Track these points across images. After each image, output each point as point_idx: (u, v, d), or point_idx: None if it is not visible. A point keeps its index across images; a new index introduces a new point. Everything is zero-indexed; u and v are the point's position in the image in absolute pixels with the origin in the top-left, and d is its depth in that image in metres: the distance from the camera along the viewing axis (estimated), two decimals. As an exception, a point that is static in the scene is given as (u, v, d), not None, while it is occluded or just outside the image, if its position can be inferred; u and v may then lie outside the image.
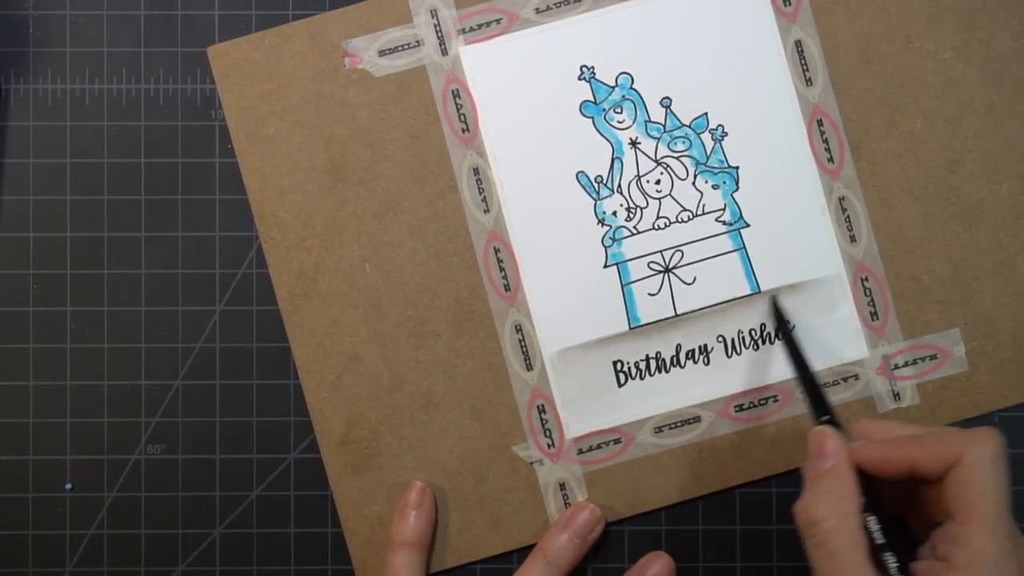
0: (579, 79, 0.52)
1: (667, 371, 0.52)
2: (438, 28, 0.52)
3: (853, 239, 0.52)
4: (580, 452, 0.52)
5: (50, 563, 0.52)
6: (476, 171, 0.52)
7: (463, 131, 0.52)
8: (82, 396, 0.52)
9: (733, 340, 0.52)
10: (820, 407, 0.46)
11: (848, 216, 0.52)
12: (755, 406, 0.52)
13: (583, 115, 0.52)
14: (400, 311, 0.52)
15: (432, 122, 0.52)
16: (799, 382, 0.48)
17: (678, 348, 0.52)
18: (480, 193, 0.52)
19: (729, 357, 0.52)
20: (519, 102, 0.52)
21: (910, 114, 0.52)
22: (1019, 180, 0.52)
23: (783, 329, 0.50)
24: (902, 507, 0.45)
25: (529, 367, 0.52)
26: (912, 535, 0.44)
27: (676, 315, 0.52)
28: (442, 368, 0.52)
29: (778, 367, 0.52)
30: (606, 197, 0.52)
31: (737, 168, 0.52)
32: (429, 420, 0.51)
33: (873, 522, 0.42)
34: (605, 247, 0.52)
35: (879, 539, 0.42)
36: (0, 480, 0.52)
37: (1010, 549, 0.40)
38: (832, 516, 0.41)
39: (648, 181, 0.52)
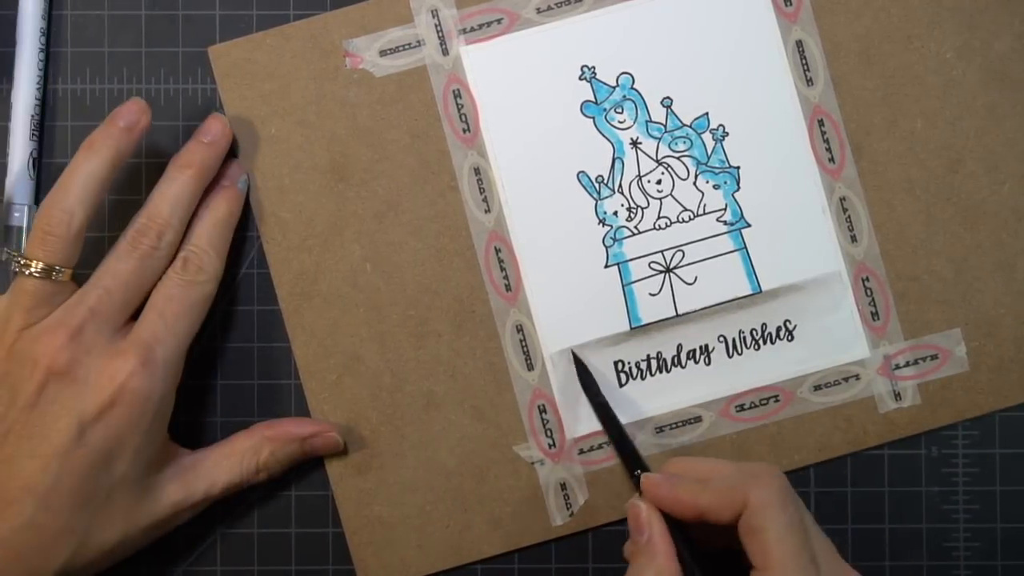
0: (580, 79, 0.52)
1: (668, 371, 0.52)
2: (439, 28, 0.52)
3: (854, 239, 0.52)
4: (581, 452, 0.52)
5: (50, 563, 0.52)
6: (477, 171, 0.52)
7: (464, 131, 0.52)
8: (82, 396, 0.52)
9: (734, 340, 0.52)
10: (633, 462, 0.47)
11: (849, 216, 0.52)
12: (756, 406, 0.52)
13: (584, 115, 0.52)
14: (401, 311, 0.52)
15: (433, 122, 0.52)
16: (610, 440, 0.50)
17: (679, 348, 0.52)
18: (481, 193, 0.52)
19: (730, 357, 0.52)
20: (520, 102, 0.52)
21: (911, 114, 0.52)
22: (1020, 180, 0.52)
23: (589, 386, 0.50)
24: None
25: (530, 367, 0.51)
26: None
27: (677, 315, 0.52)
28: (443, 368, 0.51)
29: (779, 367, 0.52)
30: (607, 197, 0.52)
31: (738, 168, 0.52)
32: (430, 420, 0.51)
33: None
34: (606, 247, 0.52)
35: None
36: (0, 480, 0.52)
37: None
38: None
39: (649, 181, 0.52)
